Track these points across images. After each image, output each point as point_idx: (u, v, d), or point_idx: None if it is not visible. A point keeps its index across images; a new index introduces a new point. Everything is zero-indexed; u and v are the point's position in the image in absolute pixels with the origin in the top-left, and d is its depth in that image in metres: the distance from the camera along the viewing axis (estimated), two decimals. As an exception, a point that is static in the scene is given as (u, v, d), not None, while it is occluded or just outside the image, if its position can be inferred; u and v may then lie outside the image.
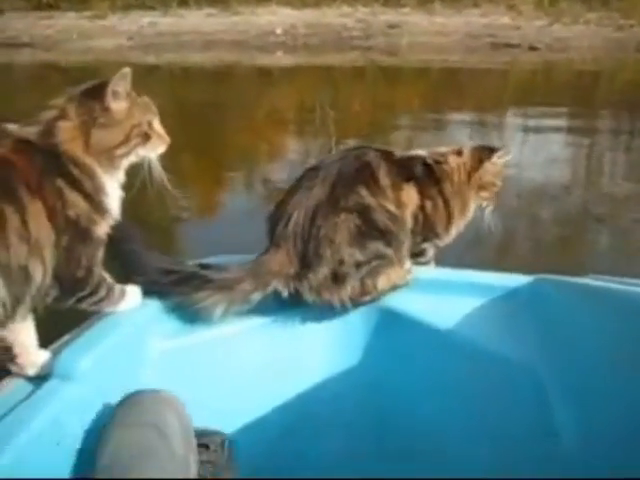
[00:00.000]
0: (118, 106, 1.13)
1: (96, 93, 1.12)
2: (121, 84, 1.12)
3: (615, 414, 1.15)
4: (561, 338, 1.37)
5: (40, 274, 1.05)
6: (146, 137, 1.17)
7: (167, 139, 1.21)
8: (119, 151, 1.14)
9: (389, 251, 1.41)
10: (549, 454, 1.23)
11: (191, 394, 1.21)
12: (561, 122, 7.05)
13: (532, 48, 12.27)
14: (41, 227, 1.03)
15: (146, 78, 10.55)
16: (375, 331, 1.51)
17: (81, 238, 1.10)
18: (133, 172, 1.20)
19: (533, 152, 5.64)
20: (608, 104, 7.80)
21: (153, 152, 1.20)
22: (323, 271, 1.35)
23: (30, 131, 1.08)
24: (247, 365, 1.42)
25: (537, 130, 6.72)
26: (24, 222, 1.00)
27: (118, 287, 1.24)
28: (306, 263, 1.35)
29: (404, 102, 8.58)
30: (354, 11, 14.65)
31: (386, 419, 1.41)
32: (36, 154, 1.06)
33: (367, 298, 1.44)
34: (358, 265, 1.38)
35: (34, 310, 1.13)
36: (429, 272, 1.60)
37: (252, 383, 1.40)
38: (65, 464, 1.06)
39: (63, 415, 1.07)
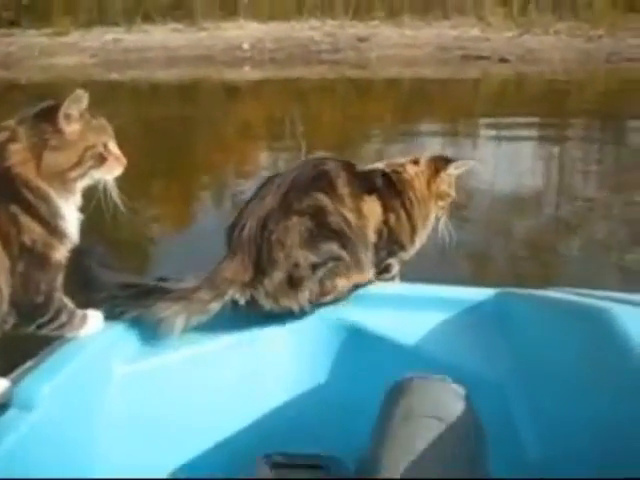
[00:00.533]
0: (71, 128, 1.11)
1: (48, 115, 1.10)
2: (74, 106, 1.10)
3: (580, 429, 1.14)
4: (526, 351, 1.38)
5: None
6: (101, 159, 1.16)
7: (124, 161, 1.19)
8: (72, 173, 1.12)
9: (344, 253, 1.42)
10: (514, 470, 1.21)
11: (155, 417, 1.25)
12: (533, 132, 7.04)
13: (502, 60, 12.19)
14: None
15: (109, 96, 10.40)
16: (340, 348, 1.50)
17: (38, 264, 1.09)
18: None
19: (505, 161, 5.70)
20: (580, 113, 7.78)
21: (109, 174, 1.18)
22: (278, 275, 1.35)
23: None
24: (211, 386, 1.41)
25: (509, 139, 6.70)
26: None
27: (79, 312, 1.23)
28: (260, 269, 1.35)
29: (375, 115, 8.50)
30: (322, 24, 14.55)
31: (351, 436, 1.36)
32: None
33: (328, 298, 1.45)
34: (314, 267, 1.39)
35: None
36: (393, 287, 1.62)
37: (217, 403, 1.40)
38: None
39: (24, 445, 1.04)
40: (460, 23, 14.52)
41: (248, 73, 12.45)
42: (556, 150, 6.19)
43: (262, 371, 1.47)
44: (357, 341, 1.50)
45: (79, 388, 1.19)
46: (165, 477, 1.28)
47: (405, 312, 1.52)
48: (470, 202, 4.18)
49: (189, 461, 1.32)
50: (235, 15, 15.05)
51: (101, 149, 1.15)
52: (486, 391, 1.30)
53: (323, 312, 1.50)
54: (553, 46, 12.85)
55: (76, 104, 1.10)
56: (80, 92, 1.11)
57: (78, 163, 1.12)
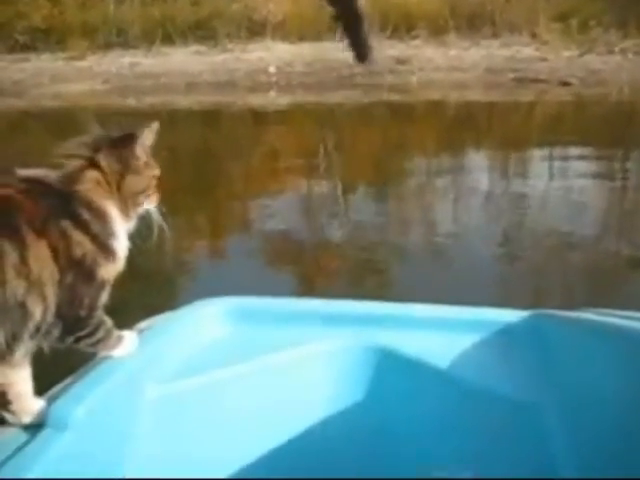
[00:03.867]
0: (143, 156, 1.24)
1: (126, 143, 1.21)
2: (150, 137, 1.23)
3: (615, 451, 1.18)
4: (560, 373, 1.41)
5: (40, 311, 1.08)
6: (155, 188, 1.28)
7: (158, 194, 1.30)
8: (141, 198, 1.24)
9: None
10: None
11: (187, 439, 1.35)
12: (594, 166, 6.34)
13: (563, 83, 10.88)
14: (44, 265, 1.07)
15: (125, 123, 9.77)
16: (372, 371, 1.54)
17: (85, 278, 1.15)
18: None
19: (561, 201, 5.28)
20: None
21: (152, 204, 1.29)
22: None
23: (51, 176, 1.15)
24: (244, 409, 1.46)
25: (568, 174, 6.11)
26: (24, 259, 1.04)
27: (116, 332, 1.28)
28: None
29: (415, 144, 7.90)
30: (358, 45, 13.44)
31: (385, 460, 1.45)
32: (45, 196, 1.12)
33: None
34: None
35: (35, 352, 1.16)
36: (427, 310, 1.65)
37: (249, 427, 1.45)
38: None
39: (59, 465, 1.08)
40: (512, 41, 13.37)
41: (275, 99, 11.74)
42: (618, 186, 5.73)
43: (296, 394, 1.50)
44: (391, 364, 1.53)
45: (112, 409, 1.23)
46: None
47: (439, 334, 1.55)
48: (519, 246, 4.13)
49: None
50: (262, 35, 14.10)
51: (155, 180, 1.28)
52: (521, 413, 1.38)
53: (358, 335, 1.55)
54: (619, 66, 11.65)
55: (152, 135, 1.23)
56: (155, 124, 1.23)
57: (146, 188, 1.24)
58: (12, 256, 1.02)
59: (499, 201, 5.50)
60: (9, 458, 1.05)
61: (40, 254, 1.06)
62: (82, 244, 1.12)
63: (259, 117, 10.42)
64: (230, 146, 8.17)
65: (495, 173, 6.55)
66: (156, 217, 1.29)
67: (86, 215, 1.14)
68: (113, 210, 1.18)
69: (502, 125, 9.11)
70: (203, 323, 1.62)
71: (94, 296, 1.17)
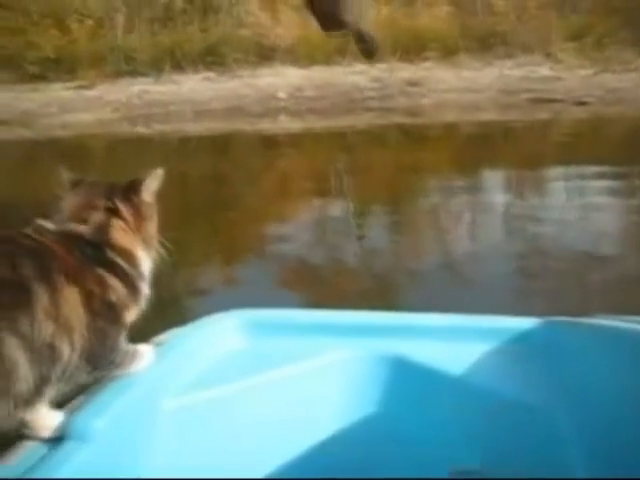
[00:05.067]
0: (151, 201, 1.30)
1: (135, 189, 1.28)
2: (155, 183, 1.30)
3: (631, 458, 1.19)
4: (575, 380, 1.42)
5: (67, 354, 1.10)
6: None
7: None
8: (154, 240, 1.31)
9: None
10: None
11: (204, 450, 1.38)
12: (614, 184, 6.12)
13: (579, 103, 10.69)
14: (73, 311, 1.11)
15: (137, 152, 10.16)
16: (386, 380, 1.56)
17: (112, 321, 1.20)
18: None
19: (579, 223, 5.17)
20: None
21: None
22: None
23: (81, 227, 1.20)
24: (260, 420, 1.48)
25: (585, 195, 5.93)
26: (54, 301, 1.07)
27: (131, 349, 1.31)
28: None
29: (429, 167, 7.74)
30: (369, 68, 13.39)
31: (400, 468, 1.46)
32: (77, 246, 1.17)
33: None
34: None
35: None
36: (441, 319, 1.67)
37: (266, 438, 1.47)
38: None
39: (80, 476, 1.11)
40: (525, 61, 13.23)
41: (284, 123, 11.65)
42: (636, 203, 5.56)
43: (311, 404, 1.53)
44: (405, 373, 1.54)
45: (131, 422, 1.27)
46: None
47: (453, 343, 1.57)
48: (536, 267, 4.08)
49: None
50: (271, 60, 14.06)
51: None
52: (535, 420, 1.38)
53: (372, 345, 1.58)
54: (636, 84, 11.54)
55: (156, 181, 1.30)
56: (160, 171, 1.30)
57: (157, 230, 1.32)
58: (43, 298, 1.06)
59: (515, 221, 5.41)
60: (31, 470, 1.08)
61: (70, 299, 1.10)
62: (116, 289, 1.19)
63: (269, 142, 10.33)
64: (240, 171, 8.14)
65: (511, 194, 6.46)
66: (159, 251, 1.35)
67: (119, 261, 1.21)
68: (141, 253, 1.27)
69: (517, 146, 8.92)
70: (218, 336, 1.65)
71: (118, 337, 1.23)
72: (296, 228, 5.55)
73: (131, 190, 1.27)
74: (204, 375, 1.48)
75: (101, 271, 1.17)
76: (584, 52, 13.10)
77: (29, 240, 1.12)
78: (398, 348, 1.56)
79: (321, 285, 4.29)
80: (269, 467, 1.44)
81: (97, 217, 1.22)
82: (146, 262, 1.27)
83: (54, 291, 1.08)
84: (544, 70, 12.86)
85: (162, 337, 1.54)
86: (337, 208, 6.09)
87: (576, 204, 5.63)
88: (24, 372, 1.04)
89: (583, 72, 12.47)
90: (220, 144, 10.54)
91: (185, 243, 4.39)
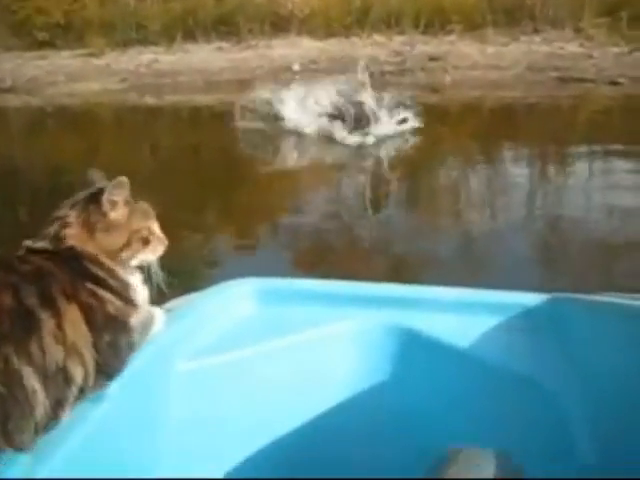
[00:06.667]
0: (115, 213, 1.24)
1: (95, 199, 1.23)
2: (116, 192, 1.23)
3: (637, 434, 1.19)
4: (581, 356, 1.44)
5: (81, 376, 1.12)
6: (145, 241, 1.29)
7: (165, 241, 1.34)
8: (123, 254, 1.26)
9: None
10: (568, 474, 1.29)
11: (217, 413, 1.42)
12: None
13: (611, 83, 10.14)
14: (77, 330, 1.12)
15: (145, 123, 10.10)
16: (394, 351, 1.59)
17: (122, 331, 1.21)
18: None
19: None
20: None
21: (152, 255, 1.32)
22: None
23: (43, 245, 1.20)
24: (271, 385, 1.52)
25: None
26: (59, 325, 1.09)
27: (148, 314, 1.32)
28: None
29: (449, 147, 7.48)
30: (388, 41, 12.85)
31: (406, 438, 1.48)
32: (64, 261, 1.17)
33: None
34: None
35: None
36: (450, 292, 1.71)
37: (276, 402, 1.51)
38: None
39: (94, 436, 1.15)
40: (554, 37, 12.63)
41: None
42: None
43: (320, 373, 1.56)
44: (414, 345, 1.58)
45: (145, 383, 1.30)
46: (225, 475, 1.40)
47: (461, 316, 1.60)
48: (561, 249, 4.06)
49: (248, 458, 1.43)
50: (287, 31, 13.56)
51: (145, 233, 1.29)
52: (541, 396, 1.40)
53: (381, 316, 1.61)
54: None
55: (118, 190, 1.23)
56: (122, 179, 1.23)
57: (127, 245, 1.26)
58: (49, 323, 1.07)
59: (539, 200, 5.38)
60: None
61: (73, 319, 1.11)
62: (112, 301, 1.19)
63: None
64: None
65: (535, 176, 6.25)
66: (155, 271, 1.33)
67: (99, 272, 1.21)
68: (113, 264, 1.24)
69: (543, 127, 8.42)
70: (230, 302, 1.67)
71: (129, 345, 1.23)
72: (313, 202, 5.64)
73: (92, 199, 1.24)
74: (217, 340, 1.53)
75: (90, 285, 1.17)
76: (618, 29, 12.44)
77: (27, 265, 1.13)
78: (407, 320, 1.60)
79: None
80: (278, 431, 1.49)
81: (54, 229, 1.22)
82: (124, 273, 1.25)
83: (58, 315, 1.09)
84: (574, 47, 12.29)
85: (174, 303, 1.58)
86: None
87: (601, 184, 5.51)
88: (42, 399, 1.06)
89: (616, 50, 11.87)
90: (230, 116, 10.24)
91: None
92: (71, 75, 12.88)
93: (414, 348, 1.56)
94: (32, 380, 1.04)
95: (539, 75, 11.10)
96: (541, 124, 8.60)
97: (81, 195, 1.25)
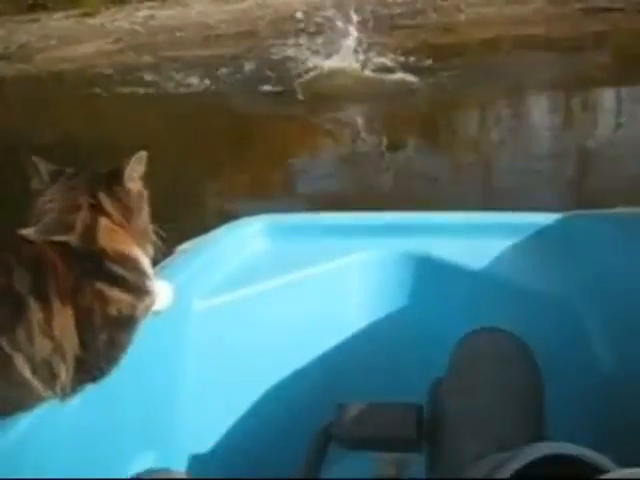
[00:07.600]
0: (139, 190, 1.21)
1: (117, 179, 1.17)
2: (138, 168, 1.20)
3: None
4: (597, 271, 1.45)
5: (64, 375, 1.09)
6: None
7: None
8: (149, 231, 1.23)
9: None
10: (587, 385, 1.31)
11: (235, 348, 1.46)
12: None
13: (642, 10, 9.44)
14: (65, 333, 1.08)
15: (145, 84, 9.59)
16: (409, 277, 1.61)
17: (124, 326, 1.17)
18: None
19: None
20: None
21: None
22: None
23: (67, 238, 1.11)
24: (288, 318, 1.54)
25: None
26: (48, 321, 1.05)
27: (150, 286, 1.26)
28: None
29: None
30: (397, -20, 12.09)
31: (424, 360, 1.46)
32: (75, 256, 1.10)
33: None
34: None
35: None
36: (460, 216, 1.75)
37: (292, 335, 1.54)
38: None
39: (116, 376, 1.13)
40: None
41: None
42: None
43: (336, 302, 1.60)
44: (427, 270, 1.60)
45: (163, 322, 1.29)
46: (241, 411, 1.43)
47: (475, 239, 1.62)
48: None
49: (263, 394, 1.45)
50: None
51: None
52: (558, 309, 1.43)
53: (394, 244, 1.63)
54: None
55: (139, 166, 1.19)
56: (142, 153, 1.20)
57: (149, 220, 1.23)
58: (38, 315, 1.03)
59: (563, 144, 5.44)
60: None
61: (64, 322, 1.06)
62: (118, 300, 1.13)
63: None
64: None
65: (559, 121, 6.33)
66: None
67: (118, 269, 1.13)
68: (136, 251, 1.17)
69: (568, 69, 7.76)
70: (242, 240, 1.70)
71: (131, 336, 1.17)
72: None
73: (113, 180, 1.15)
74: (232, 277, 1.55)
75: (100, 285, 1.09)
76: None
77: (29, 247, 1.05)
78: (419, 246, 1.63)
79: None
80: (297, 364, 1.51)
81: (82, 219, 1.09)
82: (144, 258, 1.18)
83: (49, 312, 1.04)
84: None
85: (187, 244, 1.59)
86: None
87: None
88: (34, 386, 1.04)
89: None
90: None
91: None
92: (64, 39, 12.34)
93: (429, 274, 1.60)
94: (23, 367, 1.01)
95: (562, 7, 10.34)
96: (564, 64, 7.95)
97: (98, 178, 1.15)
